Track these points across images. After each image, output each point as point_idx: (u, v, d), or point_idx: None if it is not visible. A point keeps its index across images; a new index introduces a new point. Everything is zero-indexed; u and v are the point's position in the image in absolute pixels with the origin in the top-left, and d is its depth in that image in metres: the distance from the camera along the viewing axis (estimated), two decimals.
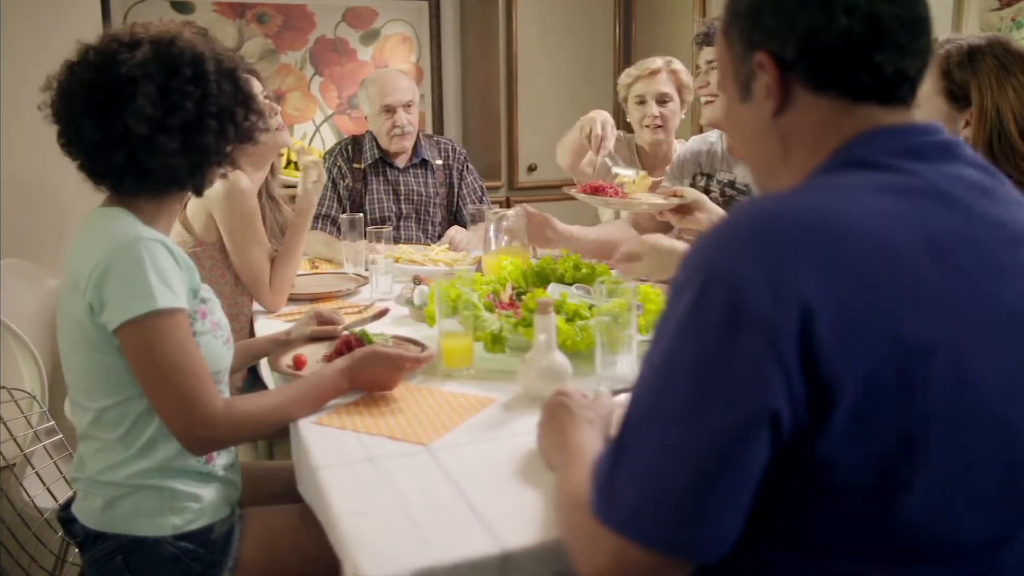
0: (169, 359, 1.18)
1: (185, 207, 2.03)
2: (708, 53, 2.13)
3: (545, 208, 3.32)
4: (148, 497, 1.25)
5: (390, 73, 2.94)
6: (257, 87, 1.41)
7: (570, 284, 1.80)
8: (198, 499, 1.28)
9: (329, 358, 1.56)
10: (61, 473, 1.73)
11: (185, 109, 1.23)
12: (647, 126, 2.57)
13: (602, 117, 2.40)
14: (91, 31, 2.90)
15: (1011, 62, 1.47)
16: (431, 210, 2.94)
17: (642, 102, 2.54)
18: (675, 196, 1.80)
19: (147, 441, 1.25)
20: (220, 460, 1.33)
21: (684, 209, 1.80)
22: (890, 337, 0.70)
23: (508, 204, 3.90)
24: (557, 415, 1.11)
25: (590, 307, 1.56)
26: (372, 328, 1.67)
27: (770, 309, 0.69)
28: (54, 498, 1.68)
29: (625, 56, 4.11)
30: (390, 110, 2.75)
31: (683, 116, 2.57)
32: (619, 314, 1.54)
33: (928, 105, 1.50)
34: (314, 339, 1.65)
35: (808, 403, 0.70)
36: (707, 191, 2.20)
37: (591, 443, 1.01)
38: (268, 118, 1.44)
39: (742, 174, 2.16)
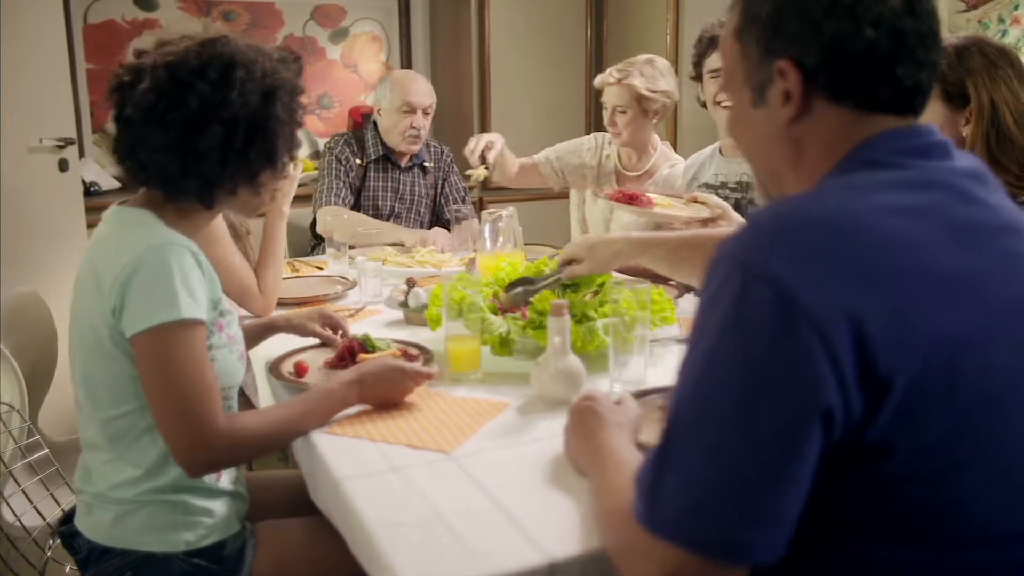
0: (180, 373, 1.13)
1: None
2: (716, 61, 2.10)
3: (527, 208, 3.33)
4: (160, 512, 1.20)
5: (416, 74, 2.93)
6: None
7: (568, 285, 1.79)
8: (211, 514, 1.23)
9: (331, 364, 1.53)
10: (48, 489, 1.66)
11: (189, 107, 1.18)
12: (608, 131, 2.59)
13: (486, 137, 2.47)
14: (53, 28, 2.83)
15: (996, 57, 1.50)
16: (422, 210, 2.96)
17: (605, 109, 2.55)
18: (695, 201, 1.81)
19: (159, 456, 1.20)
20: (227, 474, 1.28)
21: (711, 220, 1.82)
22: (934, 329, 0.71)
23: (482, 205, 3.88)
24: (586, 420, 1.09)
25: (599, 306, 1.55)
26: (374, 332, 1.63)
27: (820, 306, 0.69)
28: (40, 515, 1.61)
29: (596, 56, 4.12)
30: (411, 110, 2.76)
31: (654, 121, 2.53)
32: (627, 315, 1.54)
33: (928, 111, 1.52)
34: (310, 339, 1.62)
35: (860, 398, 0.70)
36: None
37: (625, 448, 1.00)
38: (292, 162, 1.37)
39: (731, 171, 2.18)
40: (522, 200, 3.62)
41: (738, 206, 2.06)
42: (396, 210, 2.88)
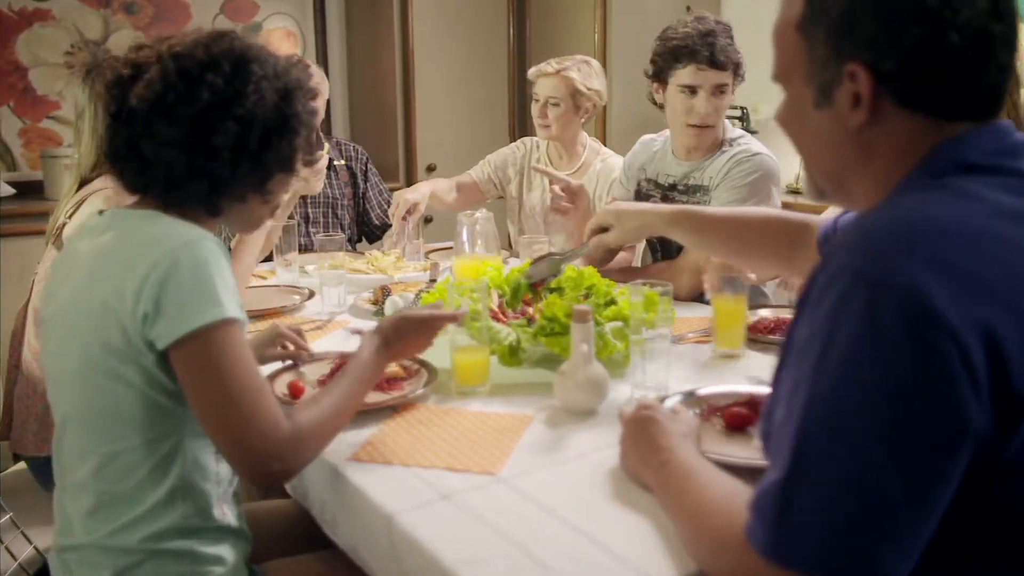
0: (236, 376, 1.01)
1: (61, 231, 1.75)
2: (717, 77, 1.99)
3: (448, 214, 3.25)
4: (168, 565, 1.07)
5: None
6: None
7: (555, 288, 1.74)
8: (221, 562, 1.11)
9: (323, 383, 1.42)
10: (18, 527, 1.46)
11: (201, 100, 1.07)
12: (537, 124, 2.57)
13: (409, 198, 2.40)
14: None
15: None
16: (339, 212, 2.80)
17: (536, 100, 2.54)
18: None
19: (166, 494, 1.07)
20: (231, 509, 1.16)
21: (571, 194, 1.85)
22: None
23: None
24: (647, 430, 1.04)
25: (605, 305, 1.50)
26: (350, 344, 1.53)
27: (955, 317, 0.67)
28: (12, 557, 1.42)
29: (519, 55, 4.08)
30: None
31: (582, 120, 2.54)
32: (627, 317, 1.50)
33: None
34: (278, 360, 1.49)
35: (994, 416, 0.68)
36: (648, 196, 2.19)
37: (700, 462, 0.96)
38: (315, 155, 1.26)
39: (683, 174, 2.16)
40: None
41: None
42: (311, 216, 2.73)
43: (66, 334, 1.09)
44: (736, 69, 2.02)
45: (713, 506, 0.84)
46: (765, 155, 2.01)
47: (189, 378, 1.02)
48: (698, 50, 1.96)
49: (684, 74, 2.00)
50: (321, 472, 1.18)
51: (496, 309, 1.60)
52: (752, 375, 1.46)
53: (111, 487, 1.07)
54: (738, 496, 0.84)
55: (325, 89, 2.63)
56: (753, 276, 1.81)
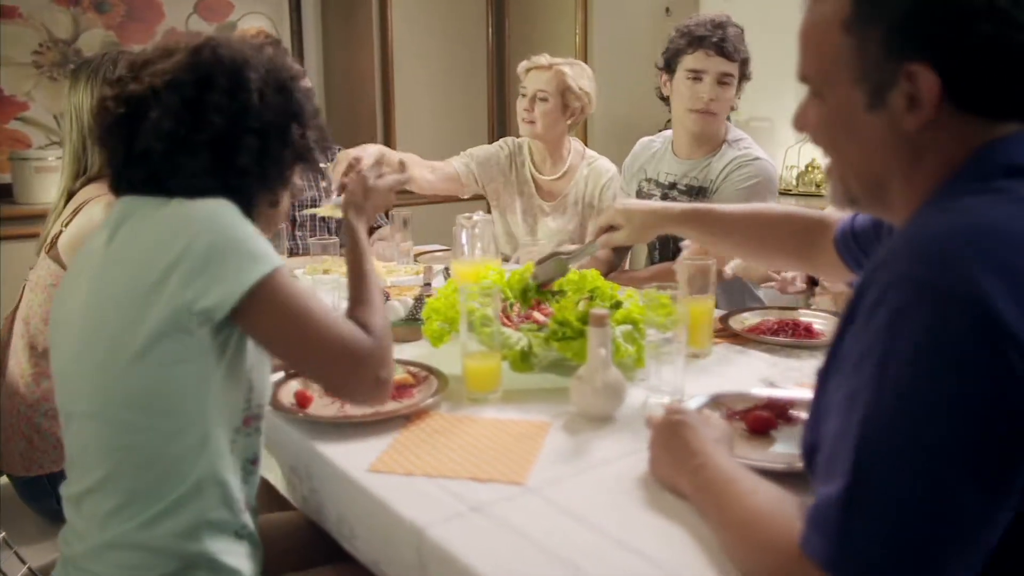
0: (309, 310, 1.05)
1: (56, 240, 1.70)
2: (724, 64, 2.04)
3: (424, 212, 3.21)
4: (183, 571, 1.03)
5: None
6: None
7: (556, 292, 1.72)
8: (240, 574, 1.07)
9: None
10: (11, 546, 1.40)
11: (214, 124, 1.07)
12: (522, 119, 2.50)
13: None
14: None
15: None
16: (326, 218, 2.73)
17: (523, 95, 2.48)
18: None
19: (192, 485, 1.03)
20: (247, 513, 1.12)
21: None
22: None
23: (388, 210, 3.71)
24: (680, 435, 1.02)
25: (611, 308, 1.48)
26: None
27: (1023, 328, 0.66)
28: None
29: (498, 55, 4.06)
30: None
31: (568, 122, 2.48)
32: (637, 320, 1.49)
33: None
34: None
35: None
36: (649, 195, 2.20)
37: (740, 469, 0.94)
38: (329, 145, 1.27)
39: (683, 173, 2.17)
40: (417, 204, 3.47)
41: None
42: (298, 219, 2.68)
43: (87, 330, 1.06)
44: (743, 65, 2.04)
45: (760, 515, 0.82)
46: (765, 160, 2.02)
47: (268, 330, 1.05)
48: (707, 36, 2.02)
49: (692, 59, 2.05)
50: (338, 484, 1.14)
51: (500, 314, 1.58)
52: (764, 376, 1.45)
53: (133, 482, 1.03)
54: (785, 504, 0.82)
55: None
56: (729, 272, 1.82)
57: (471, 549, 0.92)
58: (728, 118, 2.18)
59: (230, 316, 1.01)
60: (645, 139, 2.31)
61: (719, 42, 2.01)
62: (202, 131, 1.06)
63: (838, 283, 1.78)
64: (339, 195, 2.17)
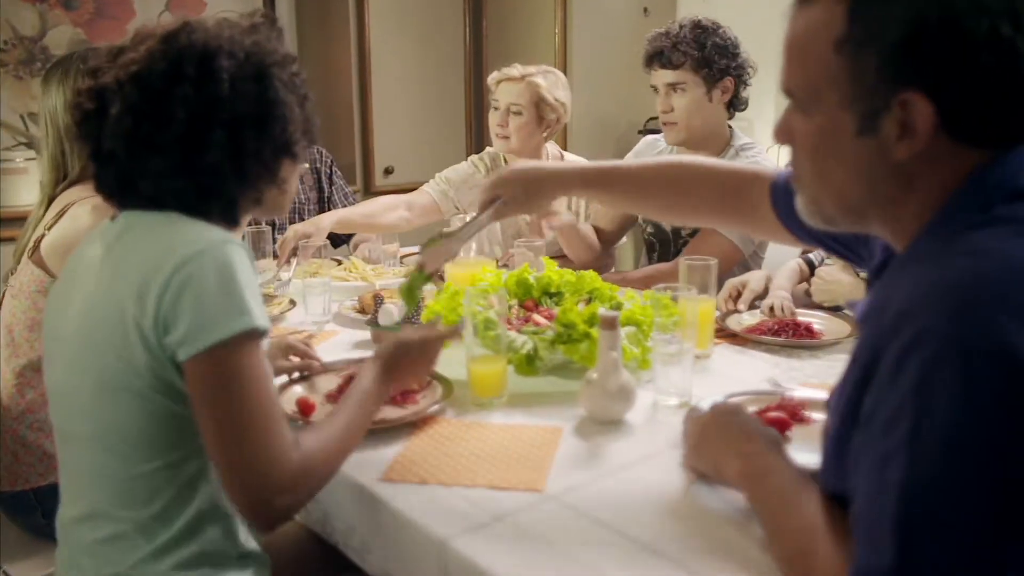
0: (254, 395, 0.93)
1: (39, 244, 1.63)
2: (667, 75, 2.06)
3: None
4: None
5: None
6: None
7: (553, 293, 1.70)
8: None
9: (333, 397, 1.35)
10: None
11: (177, 119, 0.98)
12: (495, 134, 2.41)
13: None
14: None
15: None
16: (305, 217, 2.69)
17: (496, 108, 2.38)
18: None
19: (194, 517, 0.99)
20: (253, 532, 1.09)
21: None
22: None
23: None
24: (736, 420, 1.00)
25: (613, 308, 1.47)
26: (343, 355, 1.50)
27: None
28: None
29: (476, 56, 4.03)
30: None
31: (544, 135, 2.37)
32: (640, 322, 1.48)
33: None
34: (287, 372, 1.42)
35: None
36: None
37: (801, 472, 0.89)
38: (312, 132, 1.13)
39: None
40: None
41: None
42: (277, 221, 2.61)
43: (81, 348, 1.00)
44: (700, 67, 2.03)
45: (815, 537, 0.79)
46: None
47: (203, 394, 0.94)
48: (652, 53, 2.07)
49: (651, 77, 2.11)
50: (348, 495, 1.11)
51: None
52: (767, 376, 1.45)
53: (134, 513, 0.99)
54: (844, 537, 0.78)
55: None
56: (548, 233, 1.79)
57: (499, 560, 0.90)
58: (730, 125, 2.18)
59: (186, 362, 0.94)
60: (650, 138, 2.31)
61: (657, 54, 2.05)
62: (165, 128, 0.97)
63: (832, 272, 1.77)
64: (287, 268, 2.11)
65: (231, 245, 0.97)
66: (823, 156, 0.81)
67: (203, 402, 0.94)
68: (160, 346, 0.94)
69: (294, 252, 2.17)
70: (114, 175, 1.02)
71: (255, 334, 0.95)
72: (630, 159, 2.34)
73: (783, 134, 0.85)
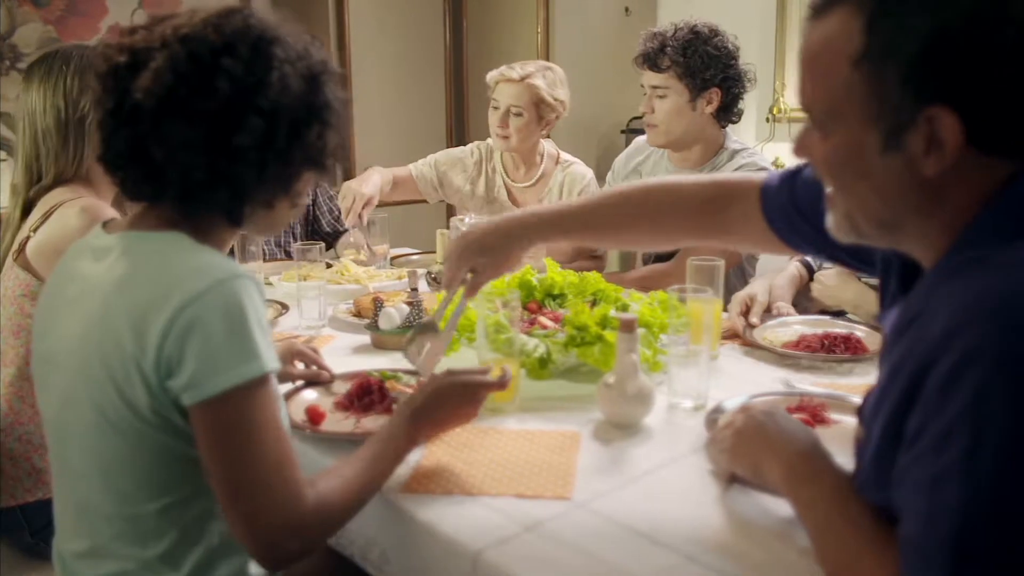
0: (263, 440, 0.89)
1: (25, 247, 1.57)
2: (652, 78, 2.03)
3: (395, 212, 3.12)
4: None
5: None
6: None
7: (557, 295, 1.68)
8: None
9: (343, 405, 1.31)
10: None
11: (219, 91, 0.91)
12: (495, 134, 2.41)
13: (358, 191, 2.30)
14: None
15: None
16: (289, 229, 2.62)
17: (495, 108, 2.38)
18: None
19: (203, 556, 0.95)
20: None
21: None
22: None
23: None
24: (778, 421, 0.97)
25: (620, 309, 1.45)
26: (341, 360, 1.44)
27: None
28: None
29: (455, 53, 4.00)
30: None
31: (543, 132, 2.39)
32: (651, 324, 1.46)
33: None
34: (294, 380, 1.38)
35: None
36: None
37: (849, 484, 0.86)
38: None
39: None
40: (391, 205, 3.40)
41: None
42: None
43: (78, 380, 0.94)
44: (682, 74, 1.99)
45: (865, 555, 0.77)
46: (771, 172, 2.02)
47: (209, 439, 0.90)
48: (643, 52, 2.04)
49: (650, 76, 2.07)
50: (367, 507, 1.05)
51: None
52: (777, 377, 1.44)
53: (138, 552, 0.94)
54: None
55: None
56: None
57: (536, 572, 0.87)
58: (726, 132, 2.14)
59: (192, 407, 0.90)
60: (640, 139, 2.28)
61: (645, 55, 2.03)
62: (204, 96, 0.91)
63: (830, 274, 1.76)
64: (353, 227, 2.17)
65: (241, 280, 0.91)
66: (848, 174, 0.79)
67: (210, 447, 0.90)
68: (162, 388, 0.89)
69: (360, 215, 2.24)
70: (128, 136, 0.94)
71: (266, 379, 0.91)
72: (619, 162, 2.33)
73: (802, 151, 0.83)
